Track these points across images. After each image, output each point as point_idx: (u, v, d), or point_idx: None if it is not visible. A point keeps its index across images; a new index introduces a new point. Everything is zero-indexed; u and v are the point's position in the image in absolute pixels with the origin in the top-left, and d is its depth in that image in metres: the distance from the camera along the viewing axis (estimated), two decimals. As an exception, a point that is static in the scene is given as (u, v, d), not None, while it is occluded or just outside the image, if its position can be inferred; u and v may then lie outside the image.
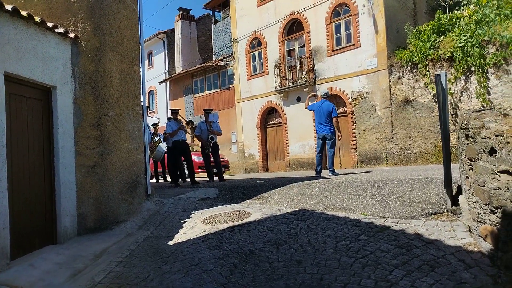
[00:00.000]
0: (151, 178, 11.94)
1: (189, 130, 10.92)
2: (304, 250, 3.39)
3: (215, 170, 9.78)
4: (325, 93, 8.35)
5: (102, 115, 4.99)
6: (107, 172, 4.98)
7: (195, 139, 8.21)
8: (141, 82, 6.19)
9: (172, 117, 9.56)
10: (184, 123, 9.96)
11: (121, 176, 5.19)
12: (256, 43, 17.40)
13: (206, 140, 9.25)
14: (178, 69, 22.77)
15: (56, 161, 4.51)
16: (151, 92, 25.27)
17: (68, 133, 4.70)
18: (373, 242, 3.34)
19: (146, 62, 25.50)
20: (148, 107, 9.11)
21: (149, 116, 8.71)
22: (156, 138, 8.32)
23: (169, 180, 12.25)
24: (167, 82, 23.18)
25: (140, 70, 6.18)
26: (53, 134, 4.52)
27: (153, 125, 9.81)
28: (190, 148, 7.86)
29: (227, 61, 18.78)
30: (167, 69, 24.14)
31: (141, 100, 6.19)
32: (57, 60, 4.58)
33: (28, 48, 4.11)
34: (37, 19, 4.18)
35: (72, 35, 4.77)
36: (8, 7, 3.73)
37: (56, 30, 4.49)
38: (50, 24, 4.39)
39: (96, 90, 4.96)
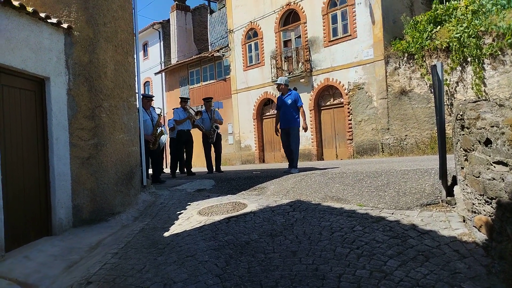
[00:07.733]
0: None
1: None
2: (299, 241, 3.39)
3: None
4: (285, 80, 7.43)
5: (96, 106, 4.95)
6: (102, 164, 4.96)
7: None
8: (136, 73, 6.14)
9: (180, 105, 9.38)
10: (194, 113, 9.66)
11: (116, 167, 5.17)
12: (252, 34, 17.28)
13: (209, 129, 9.12)
14: (174, 60, 22.60)
15: (51, 153, 4.48)
16: (147, 83, 25.11)
17: (62, 124, 4.67)
18: (368, 233, 3.35)
19: (141, 53, 25.30)
20: (153, 96, 8.86)
21: (152, 107, 8.50)
22: (159, 130, 8.11)
23: (166, 172, 12.20)
24: (163, 73, 23.03)
25: (135, 61, 6.13)
26: (47, 126, 4.49)
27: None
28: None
29: (223, 52, 18.65)
30: (162, 60, 23.97)
31: (136, 91, 6.14)
32: (50, 51, 4.53)
33: (21, 38, 4.06)
34: (30, 9, 4.13)
35: (65, 25, 4.72)
36: (-1, -4, 3.68)
37: (49, 21, 4.44)
38: (42, 15, 4.34)
39: (90, 81, 4.91)
